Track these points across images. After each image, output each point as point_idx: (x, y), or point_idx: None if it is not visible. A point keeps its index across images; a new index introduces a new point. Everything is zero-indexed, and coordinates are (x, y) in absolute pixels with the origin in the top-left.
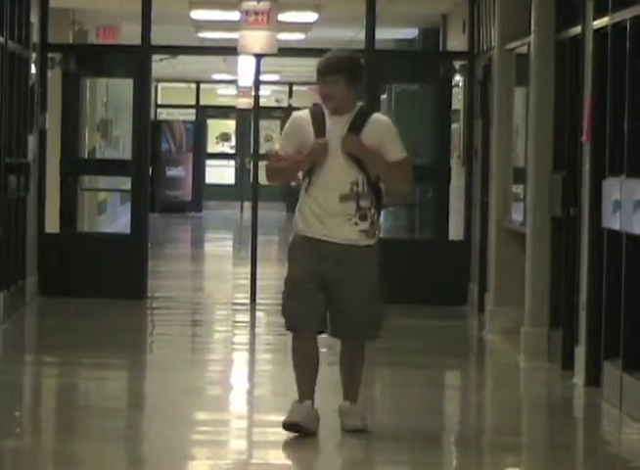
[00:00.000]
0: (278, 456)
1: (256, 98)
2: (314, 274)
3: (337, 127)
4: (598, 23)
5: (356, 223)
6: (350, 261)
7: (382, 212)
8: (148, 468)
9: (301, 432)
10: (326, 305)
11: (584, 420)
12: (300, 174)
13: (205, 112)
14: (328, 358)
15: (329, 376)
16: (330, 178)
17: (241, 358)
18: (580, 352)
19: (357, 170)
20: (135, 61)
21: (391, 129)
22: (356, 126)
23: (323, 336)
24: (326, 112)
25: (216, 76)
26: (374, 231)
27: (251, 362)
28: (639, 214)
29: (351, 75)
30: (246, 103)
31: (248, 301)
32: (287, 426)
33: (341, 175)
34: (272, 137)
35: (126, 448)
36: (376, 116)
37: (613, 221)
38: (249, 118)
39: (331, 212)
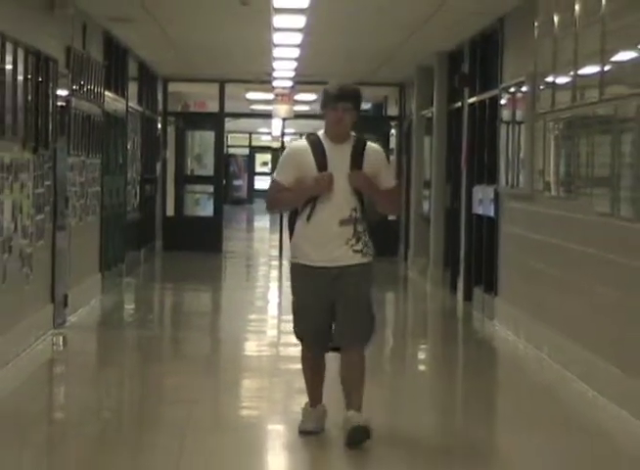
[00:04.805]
0: (295, 339)
1: (282, 142)
2: (317, 295)
3: (338, 157)
4: (470, 100)
5: (352, 245)
6: (347, 277)
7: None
8: (222, 344)
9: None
10: (331, 321)
11: (462, 320)
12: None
13: (254, 149)
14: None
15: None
16: (333, 205)
17: (274, 285)
18: (460, 282)
19: (356, 198)
20: (215, 121)
21: (386, 159)
22: (357, 158)
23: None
24: (323, 140)
25: (260, 130)
26: (368, 251)
27: (280, 287)
28: (492, 206)
29: (359, 104)
30: (276, 144)
31: (277, 254)
32: (302, 433)
33: (343, 202)
34: None
35: (210, 334)
36: (371, 146)
37: (478, 209)
38: (278, 153)
39: (331, 236)
